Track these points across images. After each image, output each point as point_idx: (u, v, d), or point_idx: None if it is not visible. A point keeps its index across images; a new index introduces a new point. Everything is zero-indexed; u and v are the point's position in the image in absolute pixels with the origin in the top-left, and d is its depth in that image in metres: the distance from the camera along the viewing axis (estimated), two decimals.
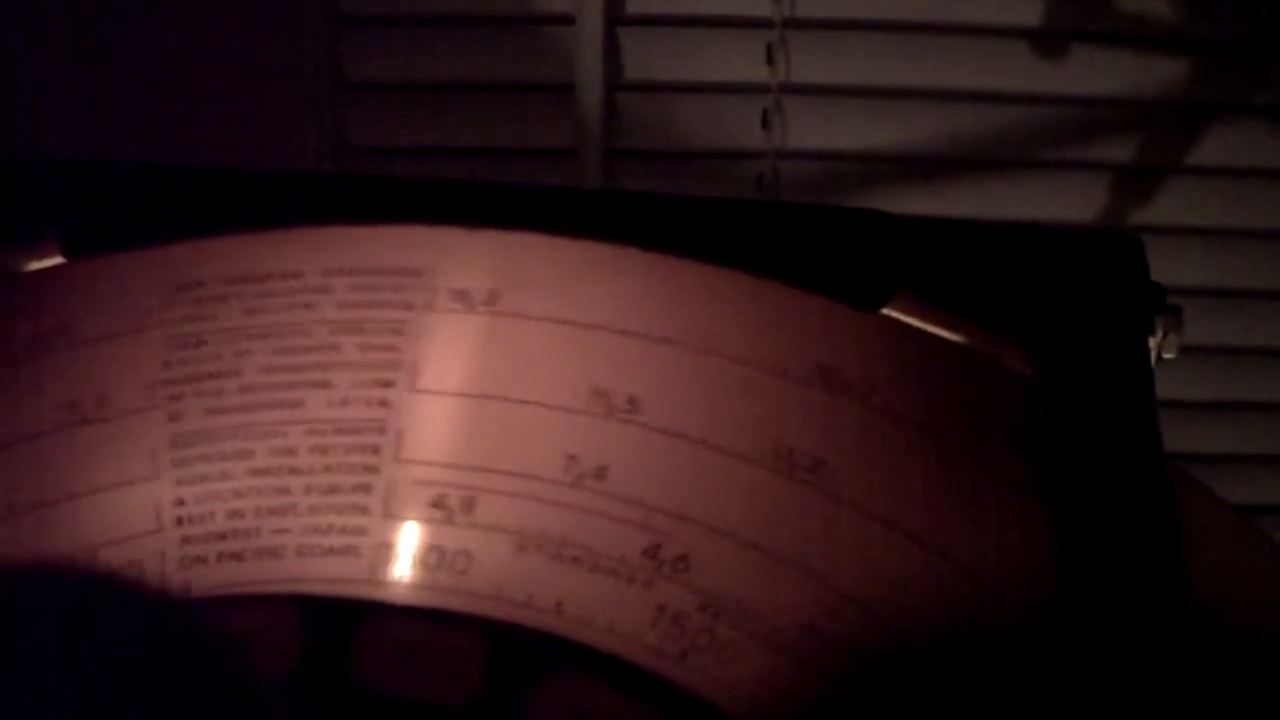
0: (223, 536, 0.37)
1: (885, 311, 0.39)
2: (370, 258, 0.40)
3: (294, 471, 0.37)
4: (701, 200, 0.43)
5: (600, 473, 0.37)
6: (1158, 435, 0.40)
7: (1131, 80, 0.81)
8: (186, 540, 0.37)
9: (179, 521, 0.37)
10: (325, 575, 0.36)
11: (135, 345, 0.39)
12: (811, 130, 0.80)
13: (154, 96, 0.79)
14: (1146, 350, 0.42)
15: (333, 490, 0.37)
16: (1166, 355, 0.43)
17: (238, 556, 0.37)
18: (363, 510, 0.37)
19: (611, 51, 0.79)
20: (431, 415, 0.38)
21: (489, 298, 0.39)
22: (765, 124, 0.79)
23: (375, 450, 0.37)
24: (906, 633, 0.35)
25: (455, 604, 0.36)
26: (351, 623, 0.35)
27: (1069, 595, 0.36)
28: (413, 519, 0.37)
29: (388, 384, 0.38)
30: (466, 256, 0.40)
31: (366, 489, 0.37)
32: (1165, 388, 0.41)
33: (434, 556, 0.36)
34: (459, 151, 0.80)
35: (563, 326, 0.39)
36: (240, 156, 0.74)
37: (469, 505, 0.37)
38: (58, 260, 0.40)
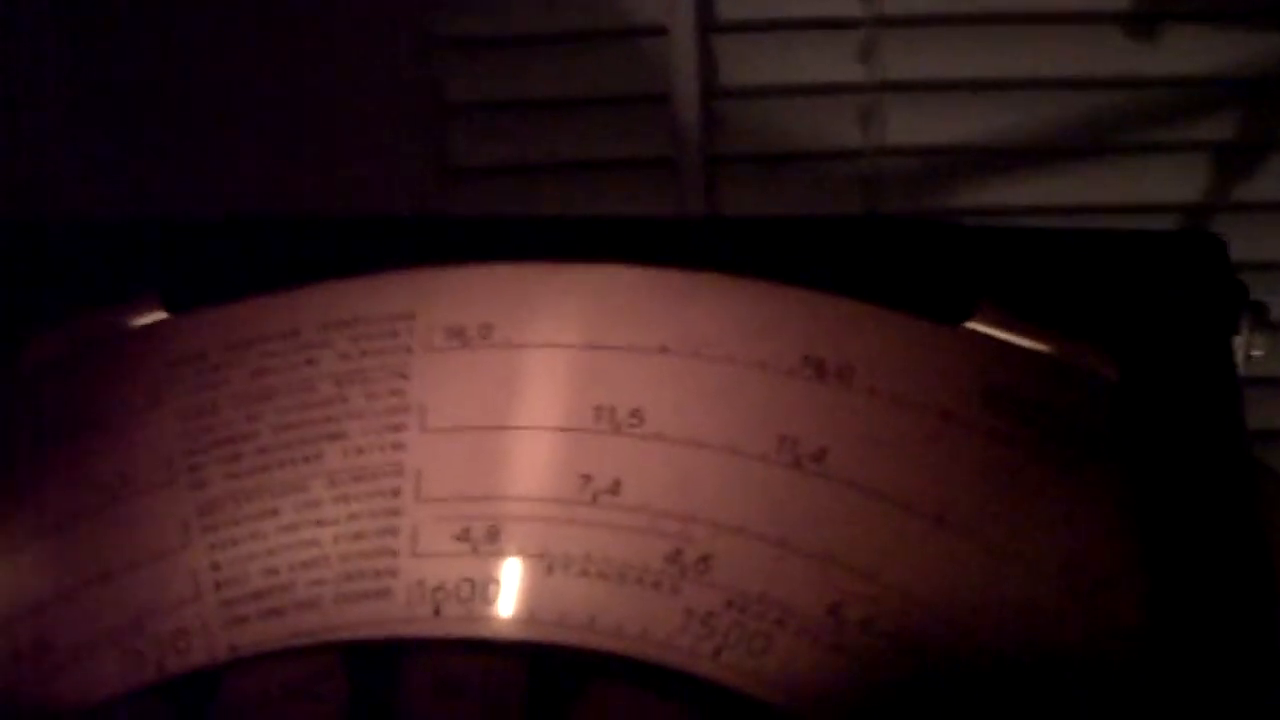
0: (260, 595, 0.38)
1: (970, 324, 0.40)
2: (362, 307, 0.41)
3: (320, 523, 0.39)
4: (773, 220, 0.44)
5: (615, 487, 0.38)
6: (1244, 434, 0.41)
7: (1227, 59, 0.81)
8: (226, 603, 0.38)
9: (217, 586, 0.38)
10: (363, 619, 0.38)
11: (149, 420, 0.40)
12: (909, 126, 0.80)
13: (251, 134, 0.80)
14: (1229, 349, 0.42)
15: (360, 536, 0.38)
16: (1255, 353, 0.43)
17: (278, 612, 0.38)
18: (392, 552, 0.38)
19: (705, 59, 0.79)
20: (446, 452, 0.39)
21: (483, 331, 0.40)
22: (863, 123, 0.80)
23: (396, 493, 0.39)
24: (930, 607, 0.36)
25: (491, 632, 0.37)
26: (394, 663, 0.36)
27: (1137, 590, 0.37)
28: (441, 554, 0.38)
29: (399, 428, 0.39)
30: (453, 294, 0.41)
31: (393, 531, 0.38)
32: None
33: (466, 588, 0.38)
34: (559, 166, 0.81)
35: (558, 350, 0.40)
36: (342, 189, 0.74)
37: (493, 535, 0.38)
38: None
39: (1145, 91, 0.82)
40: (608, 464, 0.38)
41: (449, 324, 0.41)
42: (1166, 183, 0.82)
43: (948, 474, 0.38)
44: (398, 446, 0.39)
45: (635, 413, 0.39)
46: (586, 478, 0.38)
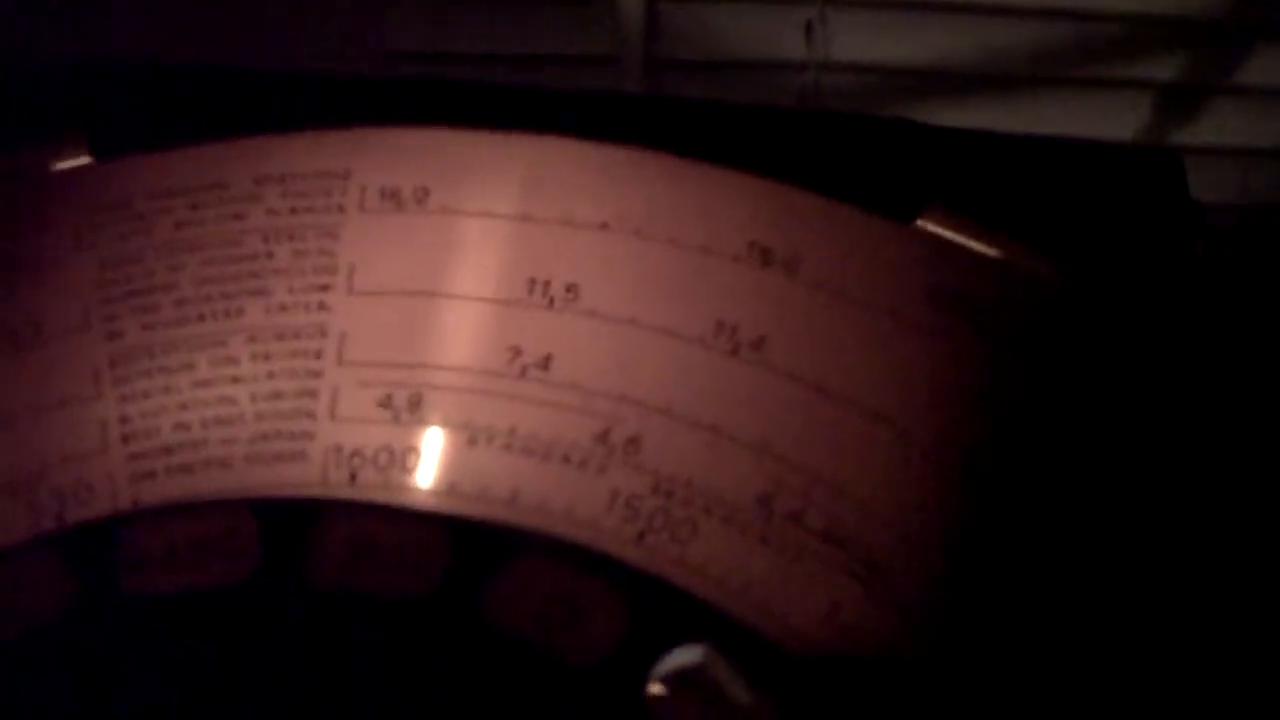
0: (170, 450, 0.37)
1: (918, 223, 0.39)
2: (296, 163, 0.40)
3: (237, 380, 0.37)
4: (725, 106, 0.43)
5: (545, 362, 0.37)
6: (1194, 348, 0.40)
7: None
8: (134, 457, 0.37)
9: (125, 439, 0.37)
10: (276, 482, 0.36)
11: (69, 265, 0.38)
12: (854, 43, 0.79)
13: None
14: (1186, 267, 0.41)
15: (277, 396, 0.37)
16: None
17: (187, 469, 0.36)
18: (309, 415, 0.37)
19: None
20: (372, 316, 0.38)
21: (419, 195, 0.39)
22: (808, 36, 0.78)
23: (318, 354, 0.37)
24: (859, 500, 0.35)
25: (409, 501, 0.36)
26: (308, 523, 0.35)
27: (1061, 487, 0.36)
28: (360, 420, 0.37)
29: (325, 288, 0.38)
30: (392, 155, 0.40)
31: (312, 393, 0.37)
32: None
33: (385, 456, 0.36)
34: (501, 59, 0.79)
35: (495, 220, 0.39)
36: (279, 61, 0.73)
37: (416, 403, 0.37)
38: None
39: (1095, 26, 0.81)
40: (539, 338, 0.37)
41: (384, 185, 0.39)
42: (1109, 119, 0.82)
43: (889, 372, 0.37)
44: (322, 307, 0.38)
45: (571, 288, 0.37)
46: (516, 351, 0.37)
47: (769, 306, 0.37)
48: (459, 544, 0.35)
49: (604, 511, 0.35)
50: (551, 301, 0.37)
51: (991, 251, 0.39)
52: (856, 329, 0.37)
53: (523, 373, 0.37)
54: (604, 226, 0.38)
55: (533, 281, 0.38)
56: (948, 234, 0.39)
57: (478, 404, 0.37)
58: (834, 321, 0.37)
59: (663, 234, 0.38)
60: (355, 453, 0.36)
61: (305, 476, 0.36)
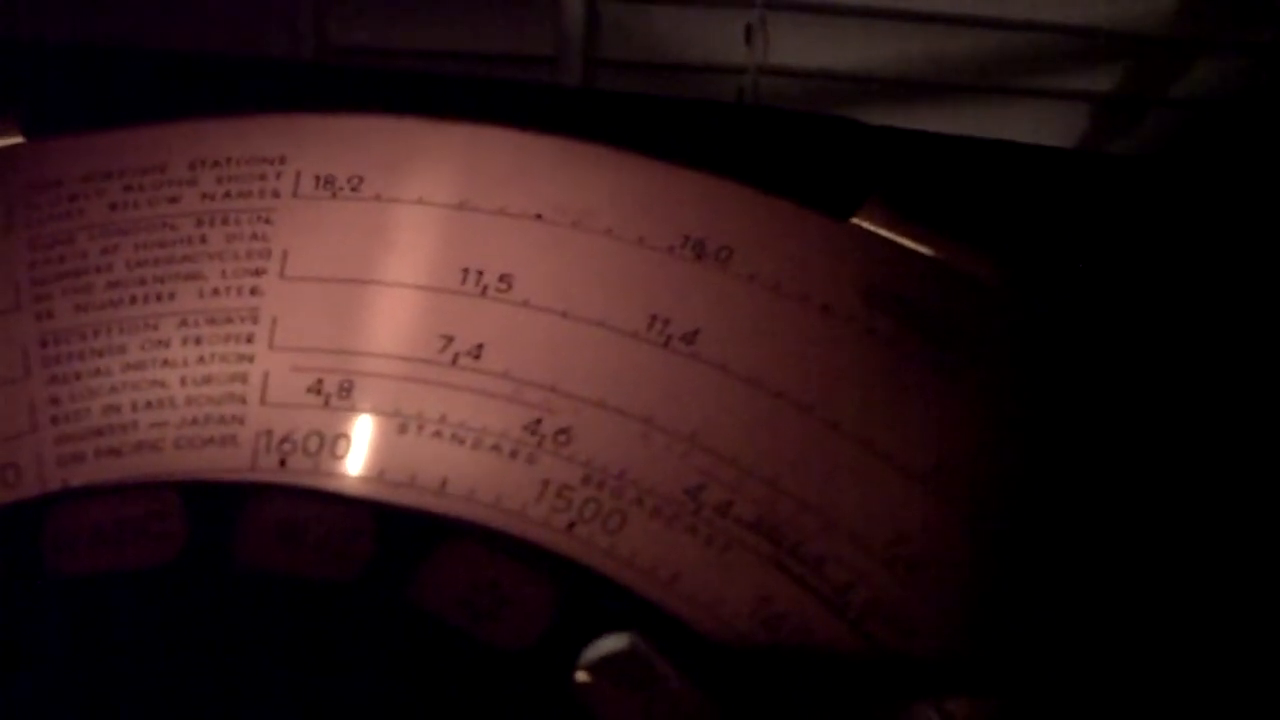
0: (99, 433, 0.36)
1: (854, 220, 0.39)
2: (232, 148, 0.40)
3: (168, 364, 0.37)
4: (663, 100, 0.43)
5: (477, 351, 0.37)
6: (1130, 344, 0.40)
7: (1119, 11, 0.81)
8: (62, 439, 0.36)
9: (54, 420, 0.37)
10: (205, 466, 0.36)
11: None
12: (794, 47, 0.79)
13: None
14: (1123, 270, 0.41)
15: (208, 381, 0.37)
16: None
17: (115, 452, 0.36)
18: (240, 400, 0.37)
19: None
20: (304, 301, 0.38)
21: (354, 182, 0.39)
22: (748, 39, 0.79)
23: (249, 339, 0.37)
24: (791, 493, 0.35)
25: (339, 487, 0.36)
26: (235, 505, 0.35)
27: (1009, 497, 0.36)
28: (290, 405, 0.36)
29: (258, 272, 0.38)
30: (328, 142, 0.40)
31: (243, 378, 0.37)
32: None
33: (314, 441, 0.36)
34: (441, 55, 0.79)
35: (431, 208, 0.39)
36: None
37: (347, 389, 0.37)
38: None
39: (1034, 36, 0.82)
40: (471, 327, 0.37)
41: (320, 172, 0.39)
42: (1048, 128, 0.82)
43: (822, 367, 0.37)
44: (255, 291, 0.38)
45: (504, 278, 0.37)
46: (448, 339, 0.37)
47: (702, 300, 0.38)
48: (385, 529, 0.34)
49: (534, 501, 0.35)
50: (485, 290, 0.37)
51: (928, 250, 0.39)
52: (789, 323, 0.37)
53: (454, 361, 0.37)
54: (539, 217, 0.38)
55: (466, 271, 0.38)
56: (884, 232, 0.39)
57: (409, 391, 0.36)
58: (767, 315, 0.37)
59: (598, 226, 0.38)
60: (285, 438, 0.36)
61: (235, 461, 0.36)
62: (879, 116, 0.83)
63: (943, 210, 0.40)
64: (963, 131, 0.80)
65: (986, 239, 0.40)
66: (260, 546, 0.34)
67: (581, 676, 0.33)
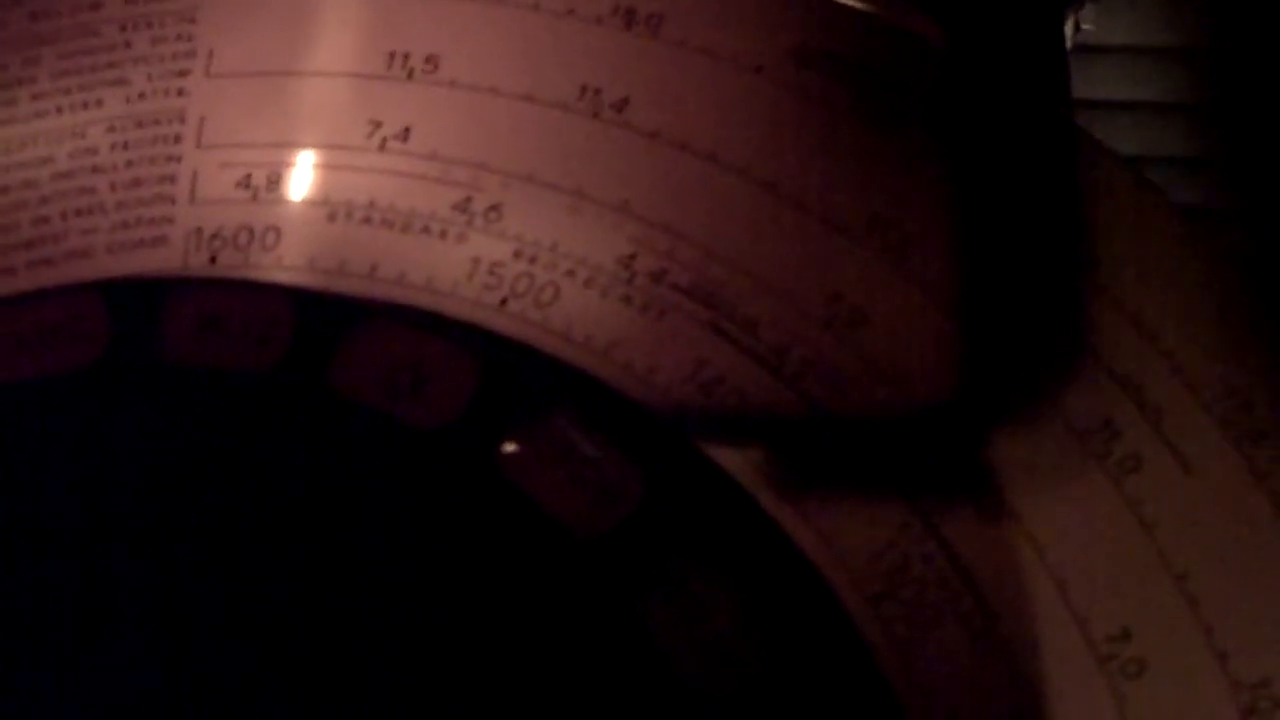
0: (29, 244, 0.36)
1: None
2: None
3: (97, 170, 0.37)
4: None
5: (404, 134, 0.36)
6: (1069, 102, 0.39)
7: None
8: None
9: None
10: (138, 268, 0.36)
11: None
12: None
13: None
14: (1060, 19, 0.41)
15: (137, 184, 0.36)
16: (1086, 26, 0.42)
17: (48, 262, 0.36)
18: (169, 200, 0.36)
19: None
20: (231, 97, 0.37)
21: None
22: None
23: (177, 139, 0.37)
24: (726, 258, 0.35)
25: (268, 279, 0.35)
26: (156, 303, 0.34)
27: (948, 246, 0.35)
28: (220, 201, 0.36)
29: (183, 73, 0.37)
30: None
31: (171, 179, 0.36)
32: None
33: (245, 235, 0.36)
34: None
35: None
36: None
37: (274, 182, 0.36)
38: None
39: None
40: (399, 111, 0.36)
41: None
42: None
43: (756, 129, 0.36)
44: (181, 93, 0.37)
45: (430, 59, 0.37)
46: (375, 124, 0.36)
47: (632, 67, 0.37)
48: (304, 316, 0.34)
49: (465, 280, 0.35)
50: (411, 73, 0.37)
51: (866, 6, 0.37)
52: (721, 87, 0.37)
53: (382, 145, 0.36)
54: None
55: (392, 55, 0.37)
56: None
57: (336, 179, 0.36)
58: (698, 80, 0.37)
59: (525, 1, 0.37)
60: (215, 234, 0.36)
61: (166, 262, 0.36)
62: None
63: None
64: None
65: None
66: (181, 341, 0.34)
67: (508, 447, 0.32)
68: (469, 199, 0.36)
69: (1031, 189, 0.36)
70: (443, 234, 0.36)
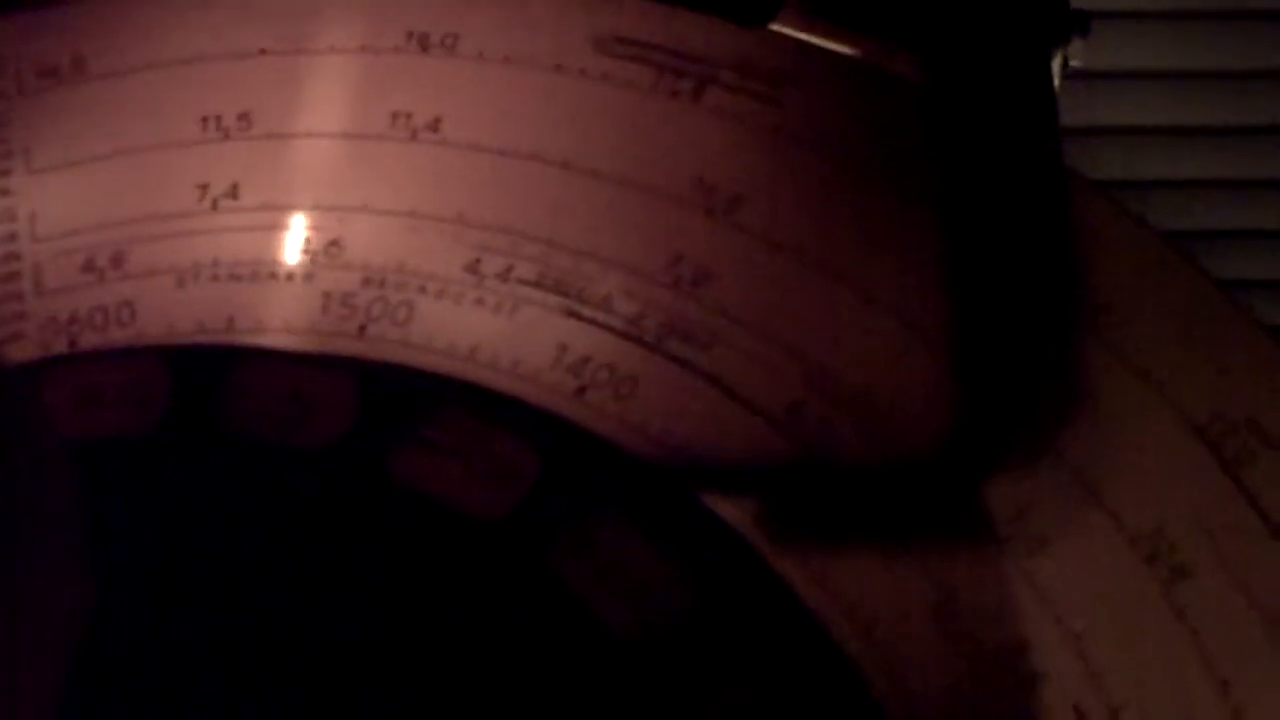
0: None
1: (773, 27, 0.39)
2: None
3: None
4: None
5: (233, 191, 0.38)
6: (1057, 141, 0.39)
7: None
8: None
9: None
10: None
11: None
12: None
13: None
14: (1048, 56, 0.41)
15: None
16: (1074, 63, 0.41)
17: None
18: (18, 297, 0.37)
19: None
20: (57, 189, 0.38)
21: (76, 64, 0.39)
22: None
23: (13, 238, 0.38)
24: (568, 246, 0.36)
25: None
26: (32, 381, 0.35)
27: (770, 201, 0.37)
28: (67, 288, 0.37)
29: (6, 173, 0.38)
30: (39, 32, 0.39)
31: (15, 276, 0.37)
32: None
33: (100, 315, 0.37)
34: None
35: (156, 70, 0.39)
36: None
37: (119, 259, 0.37)
38: None
39: None
40: (223, 170, 0.38)
41: (40, 64, 0.39)
42: None
43: (569, 123, 0.38)
44: (5, 193, 0.38)
45: (243, 116, 0.38)
46: (203, 187, 0.37)
47: (437, 88, 0.38)
48: (179, 370, 0.35)
49: (320, 315, 0.36)
50: (227, 134, 0.38)
51: (847, 50, 0.39)
52: (527, 91, 0.38)
53: (214, 205, 0.37)
54: (264, 52, 0.39)
55: (206, 119, 0.38)
56: (803, 35, 0.39)
57: (177, 245, 0.37)
58: (503, 88, 0.38)
59: (322, 45, 0.39)
60: (71, 319, 0.37)
61: (27, 354, 0.36)
62: None
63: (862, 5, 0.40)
64: None
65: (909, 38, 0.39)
66: (62, 413, 0.35)
67: (399, 455, 0.34)
68: (307, 240, 0.37)
69: (1020, 230, 0.38)
70: (290, 277, 0.37)
